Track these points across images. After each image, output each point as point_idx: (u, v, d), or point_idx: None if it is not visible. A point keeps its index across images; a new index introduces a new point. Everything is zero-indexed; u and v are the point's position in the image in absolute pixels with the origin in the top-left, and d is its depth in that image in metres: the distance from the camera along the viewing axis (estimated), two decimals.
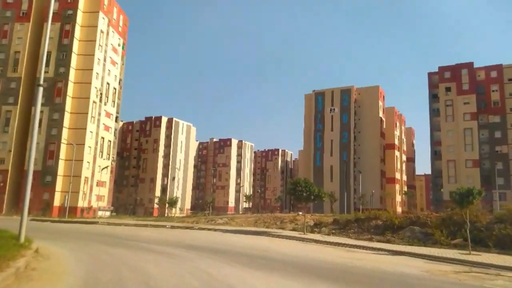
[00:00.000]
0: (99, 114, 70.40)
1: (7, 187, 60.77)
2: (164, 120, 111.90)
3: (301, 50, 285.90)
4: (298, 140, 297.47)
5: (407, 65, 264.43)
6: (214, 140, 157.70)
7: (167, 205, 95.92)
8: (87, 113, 66.37)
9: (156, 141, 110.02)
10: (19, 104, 63.45)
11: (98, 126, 69.84)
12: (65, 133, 63.23)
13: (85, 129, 65.90)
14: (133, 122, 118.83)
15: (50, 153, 62.88)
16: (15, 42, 65.06)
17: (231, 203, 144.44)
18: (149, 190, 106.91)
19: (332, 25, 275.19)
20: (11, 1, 66.24)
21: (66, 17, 66.74)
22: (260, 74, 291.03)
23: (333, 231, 30.03)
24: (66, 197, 56.59)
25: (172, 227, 33.26)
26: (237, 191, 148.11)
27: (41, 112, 64.09)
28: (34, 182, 63.42)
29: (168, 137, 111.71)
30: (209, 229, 31.47)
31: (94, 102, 68.34)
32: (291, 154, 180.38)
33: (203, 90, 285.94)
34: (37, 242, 13.61)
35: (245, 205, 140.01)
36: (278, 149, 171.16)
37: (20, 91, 63.76)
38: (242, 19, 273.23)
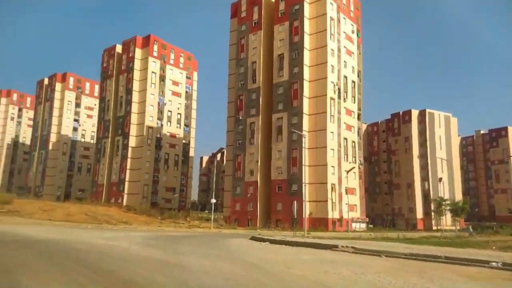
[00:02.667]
0: (339, 112, 61.68)
1: (258, 199, 59.14)
2: (414, 113, 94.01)
3: None
4: None
5: None
6: (482, 132, 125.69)
7: (432, 215, 77.66)
8: (325, 113, 58.80)
9: (408, 139, 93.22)
10: (260, 114, 62.04)
11: (339, 126, 61.15)
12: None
13: (325, 130, 58.32)
14: (377, 122, 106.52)
15: (293, 160, 57.93)
16: (251, 53, 64.91)
17: None
18: (407, 197, 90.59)
19: None
20: (244, 15, 67.16)
21: (293, 14, 62.13)
22: None
23: None
24: (304, 207, 49.03)
25: (480, 264, 12.50)
26: None
27: (281, 118, 60.62)
28: (282, 192, 59.90)
29: (422, 133, 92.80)
30: None
31: (331, 99, 60.16)
32: None
33: (454, 73, 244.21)
34: None
35: None
36: None
37: (260, 101, 62.41)
38: None
